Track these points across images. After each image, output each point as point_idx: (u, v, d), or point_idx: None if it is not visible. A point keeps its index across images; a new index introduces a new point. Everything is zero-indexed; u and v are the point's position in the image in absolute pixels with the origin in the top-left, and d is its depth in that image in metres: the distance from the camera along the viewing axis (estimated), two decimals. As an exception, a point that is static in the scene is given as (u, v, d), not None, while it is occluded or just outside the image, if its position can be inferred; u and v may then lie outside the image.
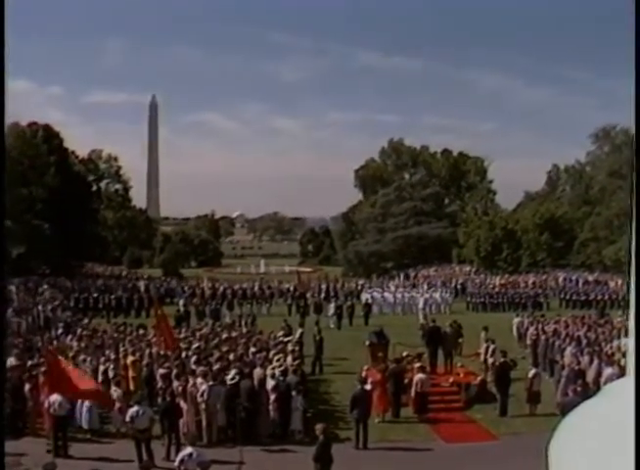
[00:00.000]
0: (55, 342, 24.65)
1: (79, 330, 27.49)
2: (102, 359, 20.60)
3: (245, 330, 28.68)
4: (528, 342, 27.90)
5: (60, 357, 16.63)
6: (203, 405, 17.33)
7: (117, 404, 18.10)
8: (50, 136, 62.24)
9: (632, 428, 1.67)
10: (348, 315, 38.38)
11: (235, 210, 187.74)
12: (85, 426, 17.66)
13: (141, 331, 26.73)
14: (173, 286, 52.01)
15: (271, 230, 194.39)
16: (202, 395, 17.34)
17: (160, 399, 17.71)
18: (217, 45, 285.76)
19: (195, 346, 22.51)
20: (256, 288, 48.03)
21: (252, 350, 22.46)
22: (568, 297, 47.84)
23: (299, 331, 27.44)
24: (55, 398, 16.18)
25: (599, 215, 65.16)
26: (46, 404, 16.62)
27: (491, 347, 23.60)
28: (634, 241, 1.81)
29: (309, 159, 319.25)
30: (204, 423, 17.39)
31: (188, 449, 13.22)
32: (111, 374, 19.68)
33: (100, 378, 19.63)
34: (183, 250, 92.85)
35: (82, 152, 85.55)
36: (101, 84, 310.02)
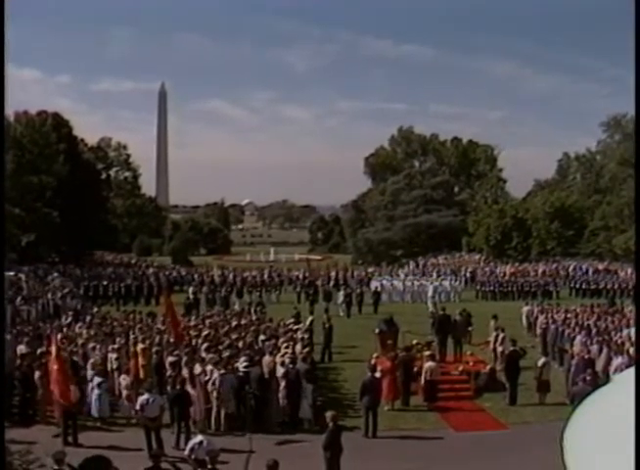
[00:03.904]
0: (64, 330, 24.70)
1: (89, 318, 27.62)
2: (111, 347, 20.63)
3: (254, 318, 28.68)
4: (538, 331, 27.87)
5: (54, 348, 16.64)
6: (214, 393, 17.38)
7: (125, 393, 18.17)
8: (59, 124, 62.20)
9: (635, 419, 1.67)
10: (358, 303, 38.43)
11: (244, 197, 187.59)
12: (95, 414, 17.71)
13: (150, 319, 26.85)
14: (183, 274, 52.04)
15: (281, 218, 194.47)
16: (212, 383, 17.39)
17: (169, 387, 17.78)
18: (226, 33, 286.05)
19: (204, 333, 22.56)
20: (266, 276, 48.18)
21: (262, 337, 22.49)
22: (577, 286, 47.71)
23: (309, 319, 27.46)
24: (65, 386, 16.24)
25: (609, 204, 64.81)
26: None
27: (501, 335, 23.57)
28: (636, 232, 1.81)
29: (319, 147, 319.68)
30: (213, 411, 17.45)
31: (198, 438, 13.26)
32: (120, 362, 19.77)
33: (109, 366, 19.71)
34: (192, 238, 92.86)
35: (91, 140, 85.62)
36: (109, 72, 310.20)
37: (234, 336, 22.52)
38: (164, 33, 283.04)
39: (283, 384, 18.03)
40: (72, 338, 22.42)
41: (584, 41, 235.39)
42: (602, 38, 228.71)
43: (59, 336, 21.23)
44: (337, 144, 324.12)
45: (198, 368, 18.07)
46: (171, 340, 21.62)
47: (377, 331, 24.27)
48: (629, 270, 49.34)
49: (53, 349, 16.56)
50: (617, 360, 19.29)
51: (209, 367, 17.87)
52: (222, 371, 17.47)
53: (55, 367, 16.18)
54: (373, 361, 19.25)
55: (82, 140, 73.80)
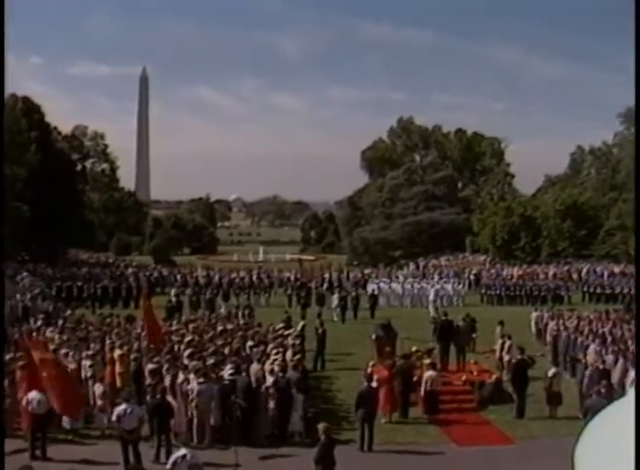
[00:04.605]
0: (34, 334, 24.58)
1: (61, 321, 27.50)
2: (85, 354, 20.52)
3: (242, 322, 28.67)
4: (548, 338, 27.88)
5: (35, 353, 16.49)
6: (193, 404, 17.31)
7: (100, 402, 18.07)
8: (30, 110, 61.86)
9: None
10: (353, 307, 38.44)
11: (232, 192, 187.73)
12: (67, 426, 17.61)
13: (129, 323, 26.76)
14: (164, 274, 52.05)
15: (271, 215, 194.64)
16: (193, 392, 17.31)
17: (149, 397, 17.71)
18: (212, 15, 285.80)
19: (187, 339, 22.49)
20: (254, 277, 48.15)
21: (250, 343, 22.43)
22: (591, 290, 47.66)
23: (301, 324, 27.49)
24: (34, 395, 16.11)
25: (626, 202, 64.87)
26: (24, 402, 16.55)
27: (507, 343, 23.57)
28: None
29: (312, 138, 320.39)
30: (194, 423, 17.38)
31: (182, 451, 13.19)
32: (95, 370, 19.65)
33: (83, 374, 19.62)
34: (175, 235, 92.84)
35: (65, 128, 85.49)
36: (85, 55, 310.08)
37: (219, 342, 22.47)
38: (146, 14, 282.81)
39: (272, 394, 17.99)
40: (43, 343, 22.28)
41: (596, 25, 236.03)
42: (616, 21, 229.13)
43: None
44: (331, 135, 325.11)
45: (181, 376, 18.03)
46: (151, 346, 21.58)
47: (373, 337, 24.27)
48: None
49: (35, 355, 16.39)
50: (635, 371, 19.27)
51: (192, 376, 17.82)
52: (201, 380, 17.41)
53: (53, 373, 16.02)
54: (369, 370, 19.20)
55: (55, 128, 73.72)
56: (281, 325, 26.52)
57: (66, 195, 61.26)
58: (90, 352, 20.50)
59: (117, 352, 20.62)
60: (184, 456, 12.92)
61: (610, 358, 21.15)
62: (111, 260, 67.56)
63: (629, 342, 23.89)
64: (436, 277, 51.30)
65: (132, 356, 20.25)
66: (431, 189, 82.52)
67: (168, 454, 15.00)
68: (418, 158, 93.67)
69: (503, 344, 23.82)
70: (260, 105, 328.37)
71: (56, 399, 16.02)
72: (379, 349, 23.38)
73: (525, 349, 21.72)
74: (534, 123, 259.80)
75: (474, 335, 26.66)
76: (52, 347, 21.31)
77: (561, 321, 28.25)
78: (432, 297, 41.49)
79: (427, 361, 20.49)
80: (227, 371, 18.20)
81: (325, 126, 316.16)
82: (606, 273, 53.38)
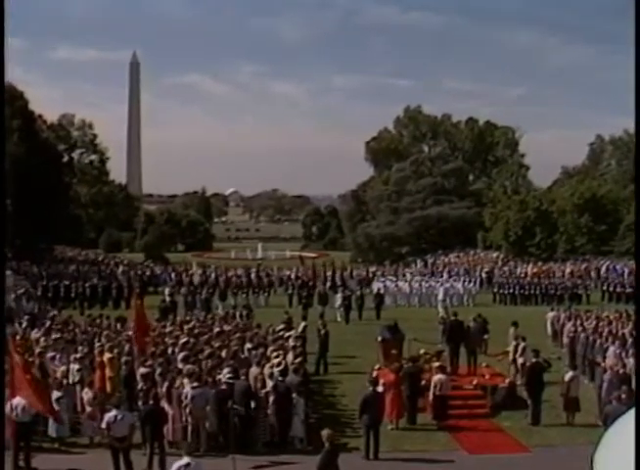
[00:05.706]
0: (18, 337, 24.56)
1: (48, 323, 27.50)
2: (73, 357, 20.52)
3: (240, 323, 28.71)
4: (565, 340, 27.87)
5: (17, 356, 16.45)
6: (186, 409, 17.30)
7: (88, 409, 18.05)
8: (12, 97, 61.44)
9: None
10: (358, 307, 38.53)
11: (229, 186, 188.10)
12: (53, 434, 17.57)
13: (120, 325, 26.76)
14: (158, 273, 52.20)
15: (270, 210, 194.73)
16: (187, 397, 17.31)
17: (141, 403, 17.71)
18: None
19: (182, 341, 22.49)
20: (253, 275, 48.25)
21: (248, 346, 22.49)
22: (611, 288, 47.71)
23: (302, 325, 27.49)
24: (17, 401, 16.05)
25: (648, 195, 64.78)
26: (7, 409, 16.52)
27: (521, 345, 23.55)
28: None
29: (313, 128, 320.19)
30: (189, 429, 17.38)
31: (184, 460, 13.17)
32: (83, 374, 19.65)
33: (70, 378, 19.61)
34: (169, 231, 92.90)
35: (51, 117, 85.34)
36: (69, 38, 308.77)
37: (216, 344, 22.47)
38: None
39: (272, 399, 18.00)
40: (28, 346, 22.29)
41: (618, 5, 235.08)
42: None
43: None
44: (333, 125, 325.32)
45: (175, 381, 18.04)
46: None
47: (379, 339, 24.27)
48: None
49: (17, 358, 16.40)
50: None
51: (186, 380, 17.83)
52: (194, 384, 17.41)
53: (28, 377, 16.01)
54: (375, 374, 19.27)
55: (40, 116, 73.47)
56: (281, 326, 26.52)
57: (51, 188, 61.10)
58: (78, 356, 20.49)
59: (107, 356, 20.60)
60: (187, 465, 12.92)
61: (631, 362, 21.05)
62: (100, 258, 67.52)
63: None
64: (446, 275, 51.36)
65: (123, 360, 20.23)
66: (440, 182, 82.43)
67: (162, 463, 15.04)
68: (426, 148, 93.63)
69: (517, 346, 23.79)
70: (258, 93, 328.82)
71: (40, 402, 16.00)
72: (385, 351, 23.40)
73: (540, 351, 21.66)
74: (551, 112, 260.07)
75: (485, 336, 26.57)
76: (38, 350, 21.33)
77: (578, 322, 28.22)
78: (441, 296, 41.53)
79: (436, 364, 20.50)
80: (224, 375, 18.19)
81: (327, 116, 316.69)
82: (626, 271, 53.17)
